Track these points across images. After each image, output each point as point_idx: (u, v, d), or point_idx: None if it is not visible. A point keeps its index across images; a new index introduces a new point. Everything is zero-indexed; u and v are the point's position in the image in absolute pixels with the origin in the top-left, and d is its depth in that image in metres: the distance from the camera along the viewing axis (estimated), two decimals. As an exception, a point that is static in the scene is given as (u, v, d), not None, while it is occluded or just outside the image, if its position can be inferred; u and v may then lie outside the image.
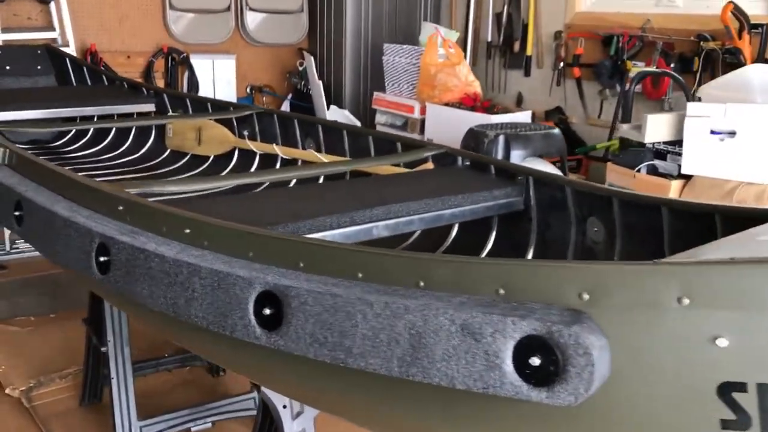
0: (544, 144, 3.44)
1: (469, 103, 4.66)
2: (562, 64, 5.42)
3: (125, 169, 3.82)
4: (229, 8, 5.88)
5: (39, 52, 4.27)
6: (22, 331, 4.13)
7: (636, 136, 3.35)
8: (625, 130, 3.52)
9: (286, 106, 6.29)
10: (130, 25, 5.55)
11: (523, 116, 4.60)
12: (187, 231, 1.61)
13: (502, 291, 1.07)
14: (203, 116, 3.49)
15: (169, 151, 4.01)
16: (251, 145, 3.47)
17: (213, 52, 5.91)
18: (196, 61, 5.75)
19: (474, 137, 3.47)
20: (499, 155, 3.34)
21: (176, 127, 3.97)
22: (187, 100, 3.84)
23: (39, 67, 4.24)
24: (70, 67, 4.31)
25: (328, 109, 5.67)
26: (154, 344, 3.56)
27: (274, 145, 3.37)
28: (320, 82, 5.53)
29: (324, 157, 3.09)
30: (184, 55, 5.70)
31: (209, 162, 3.77)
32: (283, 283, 1.31)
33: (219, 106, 3.72)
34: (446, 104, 4.80)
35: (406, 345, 1.10)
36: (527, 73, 5.75)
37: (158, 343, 3.65)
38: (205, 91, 5.79)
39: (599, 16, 5.25)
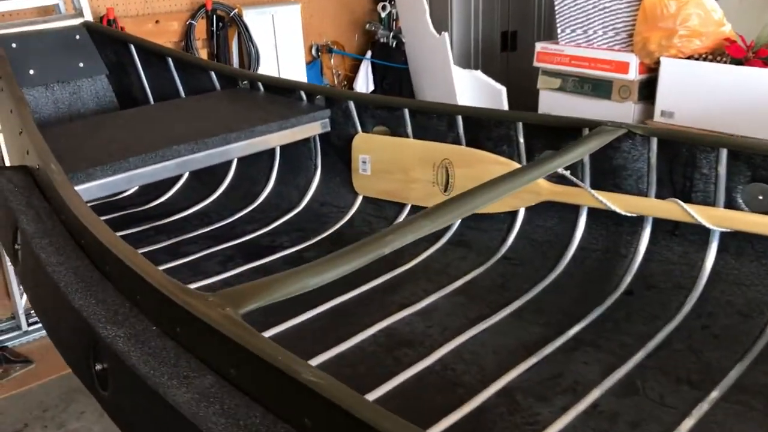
0: None
1: (738, 54, 3.05)
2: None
3: (295, 249, 2.05)
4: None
5: (78, 37, 2.34)
6: None
7: None
8: None
9: (365, 72, 4.48)
10: (152, -28, 3.59)
11: (821, 67, 3.02)
12: None
13: None
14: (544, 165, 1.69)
15: (360, 198, 2.25)
16: (605, 201, 1.77)
17: (269, 3, 4.02)
18: (250, 17, 3.86)
19: None
20: None
21: (380, 157, 2.18)
22: (405, 112, 2.06)
23: (81, 65, 2.33)
24: (138, 62, 2.40)
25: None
26: None
27: (680, 201, 1.69)
28: (445, 34, 3.74)
29: None
30: (235, 11, 3.80)
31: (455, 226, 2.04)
32: None
33: (500, 119, 1.94)
34: (689, 57, 3.18)
35: None
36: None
37: None
38: (266, 62, 3.92)
39: None
